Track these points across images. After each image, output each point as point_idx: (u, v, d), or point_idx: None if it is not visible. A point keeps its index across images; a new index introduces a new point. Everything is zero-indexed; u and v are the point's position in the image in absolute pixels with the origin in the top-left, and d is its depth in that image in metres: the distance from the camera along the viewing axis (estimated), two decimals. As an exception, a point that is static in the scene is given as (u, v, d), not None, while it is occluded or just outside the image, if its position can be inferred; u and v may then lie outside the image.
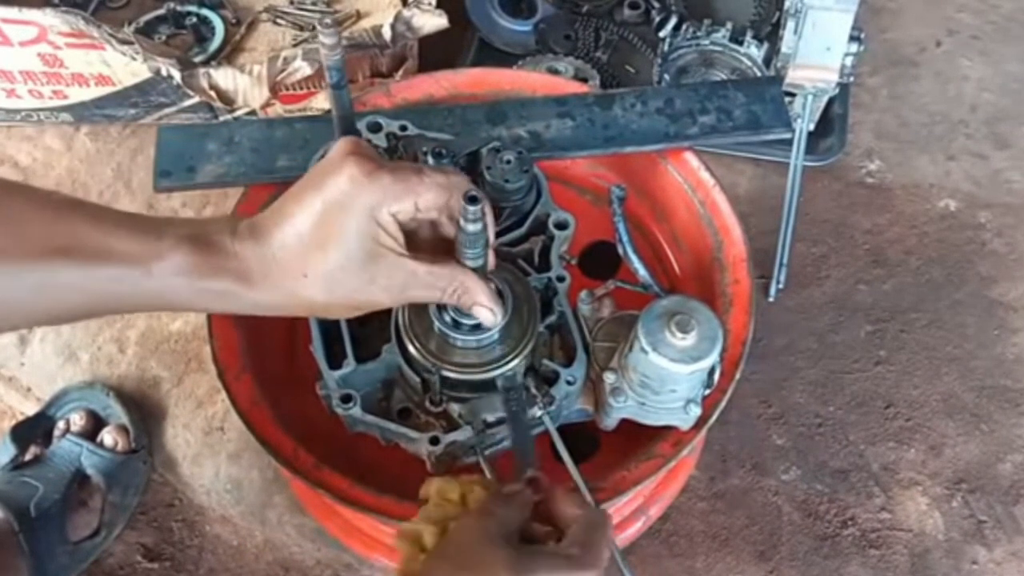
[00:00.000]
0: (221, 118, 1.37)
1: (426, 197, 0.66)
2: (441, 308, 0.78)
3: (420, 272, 0.68)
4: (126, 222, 0.66)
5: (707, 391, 0.80)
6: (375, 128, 0.90)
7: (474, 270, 0.70)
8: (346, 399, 0.78)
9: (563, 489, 0.71)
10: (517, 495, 0.69)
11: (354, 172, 0.64)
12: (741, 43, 1.43)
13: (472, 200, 0.64)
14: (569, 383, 0.80)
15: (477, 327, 0.77)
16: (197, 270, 0.65)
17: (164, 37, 1.45)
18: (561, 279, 0.84)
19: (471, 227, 0.66)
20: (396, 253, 0.66)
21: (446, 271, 0.69)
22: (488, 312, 0.72)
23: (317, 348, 0.80)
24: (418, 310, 0.79)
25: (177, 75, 1.31)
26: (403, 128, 0.90)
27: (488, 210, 0.68)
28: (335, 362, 0.80)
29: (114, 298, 0.66)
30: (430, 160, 0.78)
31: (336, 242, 0.65)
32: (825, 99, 1.37)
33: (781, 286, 1.31)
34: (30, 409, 1.23)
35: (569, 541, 0.66)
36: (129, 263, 0.64)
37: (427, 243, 0.70)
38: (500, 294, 0.78)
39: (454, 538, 0.66)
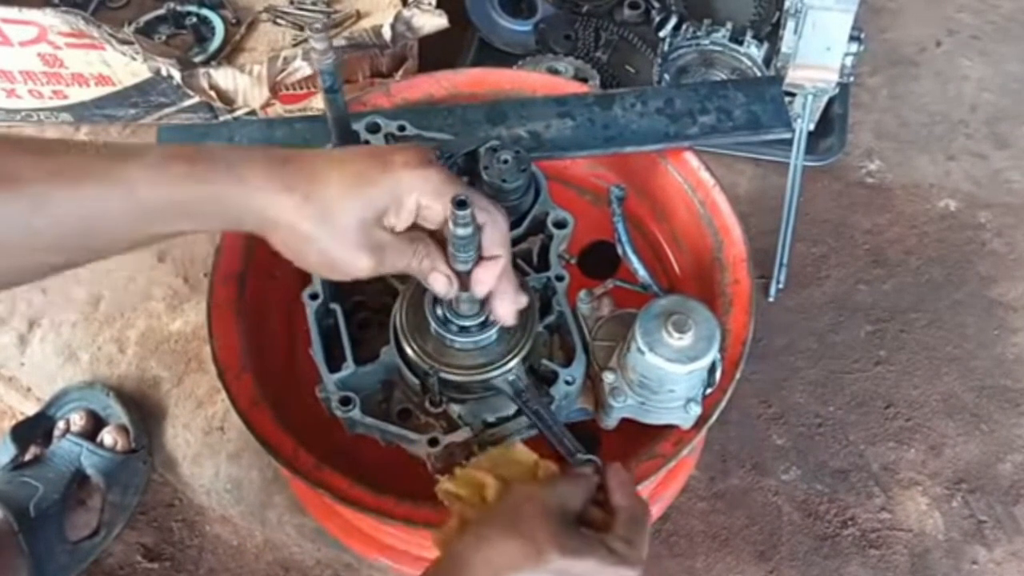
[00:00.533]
0: (221, 118, 1.37)
1: (450, 193, 0.67)
2: (439, 310, 0.78)
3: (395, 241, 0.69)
4: (116, 147, 0.66)
5: (708, 390, 0.80)
6: (373, 129, 0.89)
7: (464, 271, 0.71)
8: (345, 401, 0.78)
9: (619, 475, 0.72)
10: (584, 477, 0.70)
11: (411, 157, 0.67)
12: (741, 43, 1.43)
13: (461, 204, 0.64)
14: (568, 383, 0.80)
15: (475, 328, 0.77)
16: (181, 175, 0.64)
17: (164, 37, 1.45)
18: (560, 278, 0.84)
19: (461, 231, 0.66)
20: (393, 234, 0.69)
21: (417, 241, 0.71)
22: (444, 279, 0.71)
23: (316, 351, 0.80)
24: (416, 312, 0.79)
25: (177, 75, 1.31)
26: (401, 128, 0.90)
27: (500, 214, 0.70)
28: (334, 365, 0.80)
29: (106, 222, 0.64)
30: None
31: (362, 196, 0.66)
32: (825, 99, 1.37)
33: (781, 286, 1.31)
34: (30, 409, 1.23)
35: (615, 535, 0.67)
36: (113, 178, 0.63)
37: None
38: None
39: (513, 500, 0.67)
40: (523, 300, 0.75)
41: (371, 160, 0.68)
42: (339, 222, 0.66)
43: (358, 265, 0.69)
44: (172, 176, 0.64)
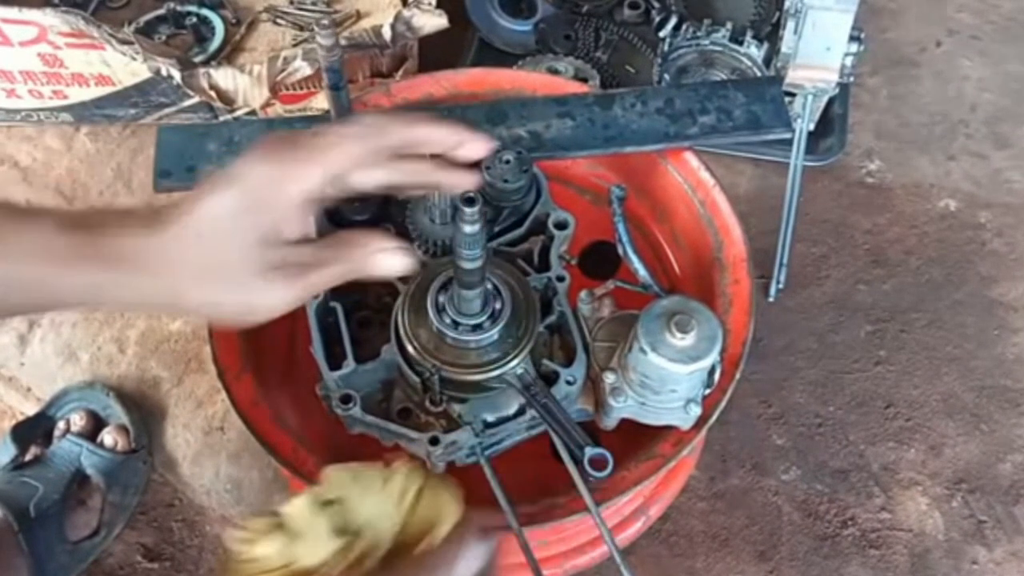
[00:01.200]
0: (221, 118, 1.37)
1: (333, 159, 0.62)
2: (440, 309, 0.78)
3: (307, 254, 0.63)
4: (17, 212, 0.60)
5: (708, 391, 0.80)
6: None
7: (471, 270, 0.71)
8: (346, 400, 0.78)
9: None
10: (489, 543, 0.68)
11: (255, 157, 0.61)
12: (741, 43, 1.43)
13: (469, 201, 0.64)
14: (569, 383, 0.80)
15: (477, 327, 0.77)
16: (62, 254, 0.58)
17: (164, 37, 1.45)
18: (561, 279, 0.84)
19: (468, 228, 0.66)
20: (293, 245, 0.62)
21: (334, 247, 0.64)
22: (398, 259, 0.64)
23: (317, 349, 0.80)
24: (417, 310, 0.79)
25: (177, 75, 1.31)
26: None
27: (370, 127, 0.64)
28: (335, 363, 0.80)
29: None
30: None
31: (233, 236, 0.60)
32: (825, 99, 1.37)
33: (781, 286, 1.31)
34: (30, 409, 1.23)
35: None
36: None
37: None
38: (498, 292, 0.79)
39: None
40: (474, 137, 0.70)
41: (222, 191, 0.61)
42: (222, 263, 0.60)
43: (272, 300, 0.62)
44: (49, 253, 0.59)
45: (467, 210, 0.64)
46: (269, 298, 0.62)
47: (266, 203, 0.61)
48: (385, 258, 0.64)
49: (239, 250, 0.60)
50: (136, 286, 0.60)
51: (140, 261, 0.59)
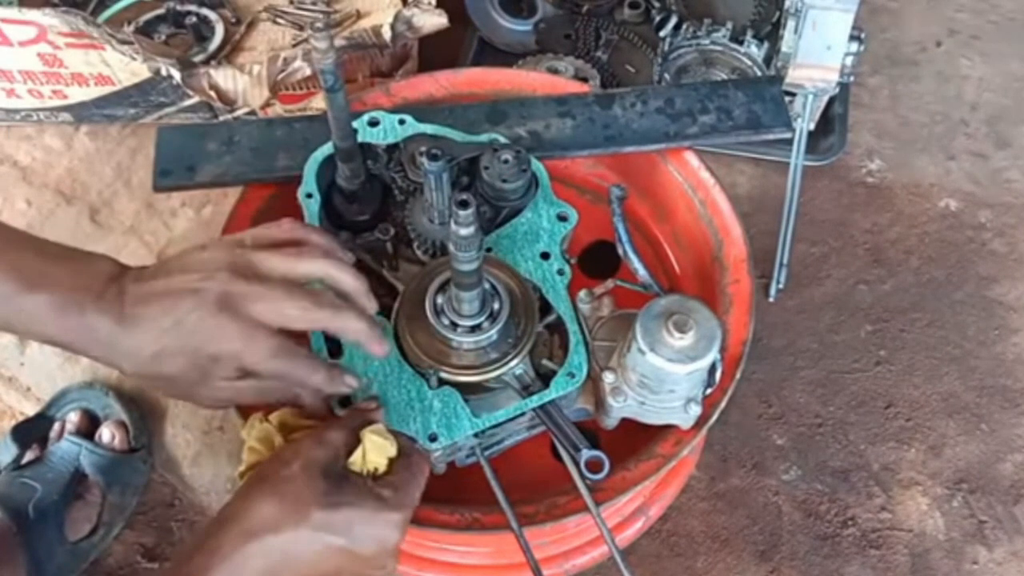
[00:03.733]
0: (221, 118, 1.37)
1: (288, 314, 0.69)
2: (439, 310, 0.78)
3: (245, 388, 0.71)
4: (14, 260, 0.68)
5: (708, 390, 0.80)
6: (374, 123, 0.90)
7: (467, 272, 0.70)
8: (345, 401, 0.78)
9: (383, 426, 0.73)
10: (348, 421, 0.71)
11: (210, 301, 0.67)
12: (741, 43, 1.43)
13: (463, 204, 0.64)
14: (571, 376, 0.79)
15: (475, 328, 0.77)
16: (60, 333, 0.68)
17: (164, 37, 1.44)
18: (561, 272, 0.84)
19: (463, 231, 0.66)
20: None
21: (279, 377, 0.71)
22: (375, 343, 0.72)
23: (317, 350, 0.80)
24: (416, 311, 0.79)
25: (177, 75, 1.31)
26: (401, 122, 0.90)
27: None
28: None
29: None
30: (425, 162, 0.78)
31: (190, 369, 0.69)
32: (825, 99, 1.37)
33: (781, 286, 1.31)
34: (30, 409, 1.23)
35: (384, 481, 0.68)
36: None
37: None
38: (496, 292, 0.79)
39: (279, 459, 0.68)
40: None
41: (179, 323, 0.68)
42: (173, 377, 0.69)
43: (213, 405, 0.74)
44: (50, 329, 0.68)
45: (462, 213, 0.64)
46: (210, 404, 0.73)
47: (221, 355, 0.68)
48: (368, 344, 0.73)
49: (192, 377, 0.69)
50: (88, 351, 0.69)
51: (103, 344, 0.68)
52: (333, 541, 0.65)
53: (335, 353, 0.79)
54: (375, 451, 0.70)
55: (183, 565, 0.64)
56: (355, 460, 0.69)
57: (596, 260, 1.06)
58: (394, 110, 0.92)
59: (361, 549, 0.66)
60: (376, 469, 0.70)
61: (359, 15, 1.47)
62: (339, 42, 1.30)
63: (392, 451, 0.70)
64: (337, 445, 0.69)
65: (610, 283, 0.86)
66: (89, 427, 1.16)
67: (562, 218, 0.87)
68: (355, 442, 0.70)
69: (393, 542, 0.68)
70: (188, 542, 0.68)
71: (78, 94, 1.37)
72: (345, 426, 0.70)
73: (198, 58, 1.39)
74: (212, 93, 1.33)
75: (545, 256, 0.85)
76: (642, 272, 0.86)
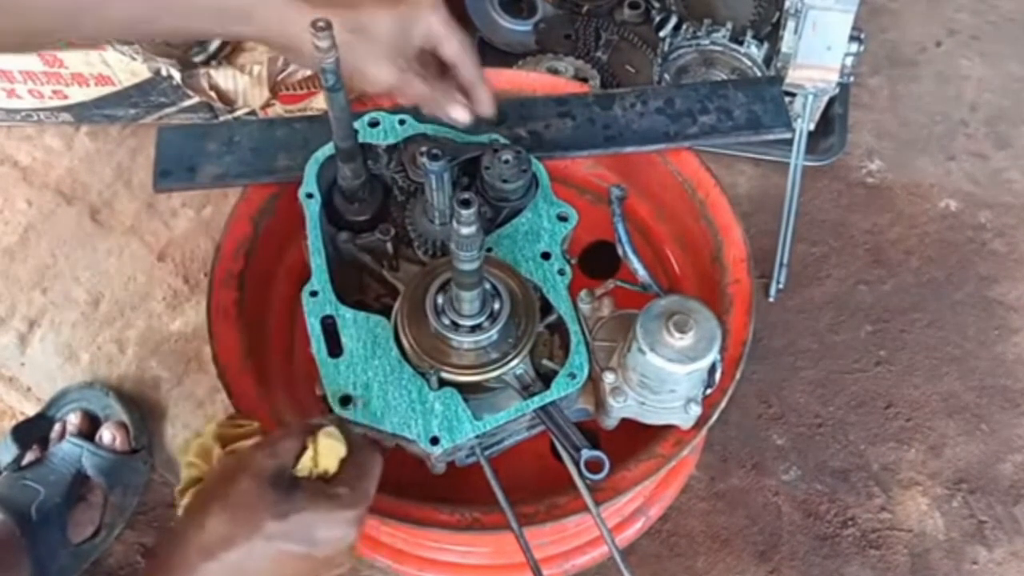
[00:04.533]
0: (221, 118, 1.37)
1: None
2: (439, 310, 0.78)
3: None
4: None
5: (708, 390, 0.80)
6: (374, 124, 0.90)
7: (468, 271, 0.71)
8: (345, 401, 0.78)
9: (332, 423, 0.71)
10: (296, 428, 0.69)
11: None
12: (741, 43, 1.43)
13: (465, 204, 0.64)
14: (572, 376, 0.79)
15: (475, 328, 0.77)
16: None
17: (164, 37, 1.45)
18: (562, 272, 0.84)
19: (465, 230, 0.66)
20: None
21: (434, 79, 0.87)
22: (460, 106, 0.89)
23: (316, 350, 0.80)
24: (416, 311, 0.79)
25: (177, 75, 1.31)
26: (402, 122, 0.90)
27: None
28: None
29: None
30: (426, 162, 0.78)
31: (392, 13, 0.84)
32: (825, 99, 1.37)
33: (781, 286, 1.31)
34: (30, 409, 1.23)
35: (337, 480, 0.67)
36: None
37: None
38: (496, 292, 0.79)
39: (225, 471, 0.66)
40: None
41: None
42: (373, 32, 0.82)
43: (383, 75, 0.84)
44: None
45: (464, 212, 0.65)
46: (381, 73, 0.85)
47: (419, 17, 0.86)
48: (453, 107, 0.88)
49: (387, 32, 0.84)
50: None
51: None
52: (290, 548, 0.64)
53: (335, 353, 0.79)
54: (326, 454, 0.68)
55: None
56: (304, 465, 0.68)
57: (596, 260, 1.06)
58: (395, 110, 0.92)
59: (319, 551, 0.65)
60: (327, 471, 0.68)
61: (359, 15, 1.47)
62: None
63: (343, 451, 0.69)
64: (286, 452, 0.67)
65: (610, 283, 0.86)
66: (89, 428, 1.16)
67: (562, 218, 0.87)
68: (303, 448, 0.68)
69: (350, 540, 0.67)
70: (145, 566, 0.67)
71: (78, 94, 1.37)
72: (292, 433, 0.69)
73: (198, 58, 1.39)
74: (212, 93, 1.33)
75: (546, 256, 0.85)
76: (642, 272, 0.86)
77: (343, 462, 0.69)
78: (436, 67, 0.90)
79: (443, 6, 0.87)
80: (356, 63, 0.83)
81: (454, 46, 0.88)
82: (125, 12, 0.80)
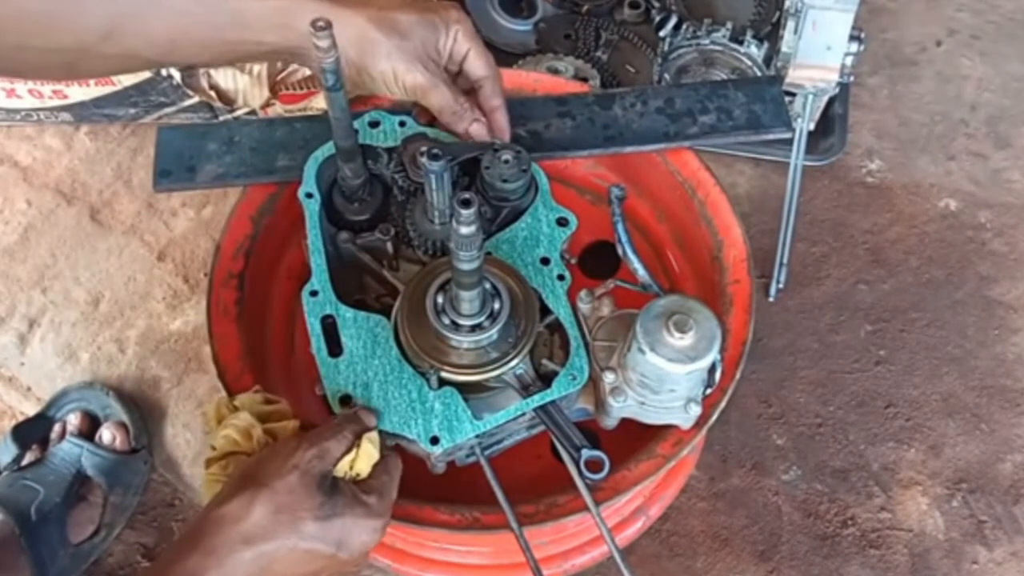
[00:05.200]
0: (221, 118, 1.37)
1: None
2: (439, 309, 0.78)
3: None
4: None
5: (708, 390, 0.80)
6: (375, 124, 0.90)
7: (468, 271, 0.71)
8: (346, 400, 0.78)
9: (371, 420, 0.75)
10: (343, 429, 0.72)
11: (452, 6, 0.82)
12: (741, 43, 1.43)
13: (465, 203, 0.64)
14: (573, 377, 0.79)
15: (475, 328, 0.77)
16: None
17: (164, 37, 1.44)
18: (562, 277, 0.84)
19: (465, 229, 0.66)
20: None
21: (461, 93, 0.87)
22: (479, 125, 0.88)
23: (316, 349, 0.80)
24: (416, 311, 0.79)
25: (177, 75, 1.31)
26: (402, 124, 0.90)
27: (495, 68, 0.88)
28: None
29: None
30: (426, 162, 0.78)
31: (423, 19, 0.84)
32: (825, 99, 1.37)
33: (781, 286, 1.31)
34: (30, 409, 1.23)
35: (368, 487, 0.71)
36: None
37: None
38: (496, 292, 0.79)
39: (274, 464, 0.68)
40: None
41: (425, 2, 0.85)
42: (406, 33, 0.82)
43: (413, 76, 0.83)
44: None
45: (464, 212, 0.65)
46: (412, 75, 0.84)
47: (447, 25, 0.86)
48: (475, 128, 0.88)
49: (418, 36, 0.84)
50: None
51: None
52: (320, 549, 0.67)
53: (335, 352, 0.79)
54: (364, 458, 0.71)
55: (177, 563, 0.65)
56: (342, 466, 0.71)
57: (596, 260, 1.06)
58: (394, 111, 0.92)
59: (344, 554, 0.68)
60: (359, 474, 0.71)
61: (359, 15, 1.47)
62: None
63: (377, 456, 0.72)
64: (335, 455, 0.70)
65: (610, 283, 0.86)
66: (90, 428, 1.16)
67: (562, 223, 0.87)
68: (349, 450, 0.71)
69: (374, 545, 0.70)
70: (182, 534, 0.69)
71: (78, 94, 1.37)
72: (341, 435, 0.71)
73: (198, 58, 1.39)
74: (212, 93, 1.33)
75: (545, 262, 0.84)
76: (642, 272, 0.86)
77: (375, 467, 0.72)
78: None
79: (470, 22, 0.86)
80: (388, 62, 0.82)
81: (483, 64, 0.88)
82: (167, 23, 0.78)
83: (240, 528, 0.65)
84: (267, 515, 0.65)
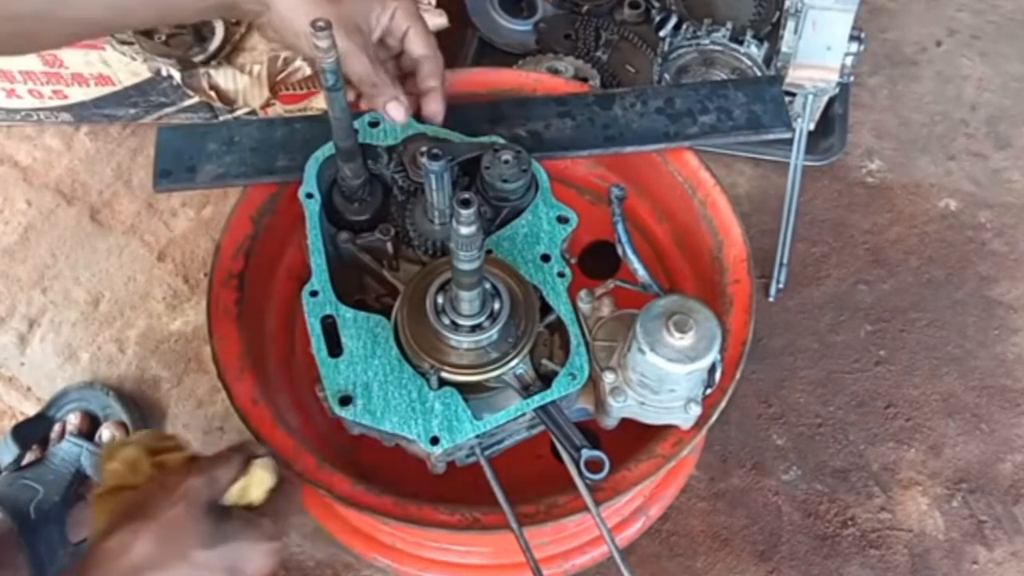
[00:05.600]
0: (221, 118, 1.37)
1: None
2: (439, 310, 0.78)
3: None
4: None
5: (708, 390, 0.80)
6: (374, 124, 0.90)
7: (468, 271, 0.71)
8: (345, 401, 0.78)
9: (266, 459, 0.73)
10: (231, 458, 0.71)
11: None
12: (741, 43, 1.43)
13: (465, 203, 0.64)
14: (573, 376, 0.79)
15: (475, 328, 0.77)
16: None
17: (164, 37, 1.44)
18: (562, 275, 0.84)
19: (465, 229, 0.66)
20: None
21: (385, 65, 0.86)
22: (396, 103, 0.87)
23: (317, 350, 0.80)
24: (416, 311, 0.79)
25: (177, 75, 1.31)
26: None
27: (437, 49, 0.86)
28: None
29: None
30: (426, 162, 0.78)
31: None
32: (825, 99, 1.37)
33: (781, 286, 1.31)
34: (30, 409, 1.23)
35: (263, 511, 0.70)
36: None
37: None
38: (496, 292, 0.79)
39: (162, 493, 0.67)
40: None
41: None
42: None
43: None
44: None
45: (464, 212, 0.64)
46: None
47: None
48: (391, 106, 0.86)
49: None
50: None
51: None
52: None
53: (335, 352, 0.79)
54: (257, 485, 0.71)
55: None
56: (233, 493, 0.70)
57: (596, 260, 1.06)
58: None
59: None
60: (251, 502, 0.71)
61: (359, 15, 1.47)
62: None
63: (271, 482, 0.72)
64: (223, 482, 0.69)
65: (610, 283, 0.86)
66: (90, 428, 1.16)
67: (562, 220, 0.87)
68: (237, 477, 0.71)
69: (271, 568, 0.70)
70: (71, 570, 0.69)
71: (78, 94, 1.37)
72: (229, 461, 0.71)
73: (198, 58, 1.39)
74: (212, 93, 1.33)
75: (545, 259, 0.85)
76: (642, 272, 0.86)
77: (270, 493, 0.72)
78: (394, 65, 0.89)
79: (415, 3, 0.86)
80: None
81: (422, 43, 0.86)
82: None
83: (125, 561, 0.64)
84: (153, 546, 0.64)
